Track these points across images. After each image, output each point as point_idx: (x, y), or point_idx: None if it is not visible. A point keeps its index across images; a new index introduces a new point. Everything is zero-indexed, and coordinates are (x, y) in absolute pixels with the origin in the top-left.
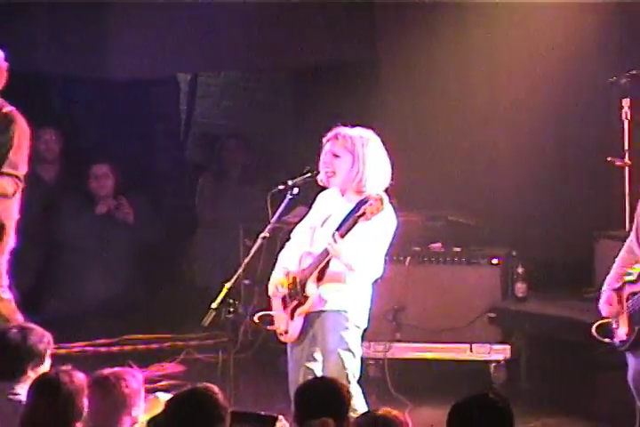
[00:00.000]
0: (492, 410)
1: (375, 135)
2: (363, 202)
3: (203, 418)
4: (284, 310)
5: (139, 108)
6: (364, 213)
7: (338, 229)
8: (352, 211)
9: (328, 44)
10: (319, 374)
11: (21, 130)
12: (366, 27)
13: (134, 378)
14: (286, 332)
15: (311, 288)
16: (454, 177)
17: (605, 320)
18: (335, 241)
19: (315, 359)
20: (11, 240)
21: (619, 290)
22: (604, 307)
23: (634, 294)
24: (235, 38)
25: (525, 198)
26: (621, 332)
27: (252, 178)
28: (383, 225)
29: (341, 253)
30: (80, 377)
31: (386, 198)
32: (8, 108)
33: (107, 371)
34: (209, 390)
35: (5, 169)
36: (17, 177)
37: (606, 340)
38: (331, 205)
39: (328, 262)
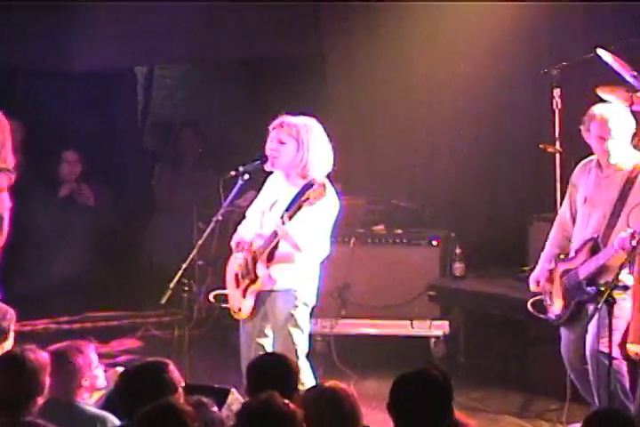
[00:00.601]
0: (432, 383)
1: (318, 123)
2: (307, 187)
3: (153, 390)
4: (236, 288)
5: (98, 100)
6: (307, 199)
7: (285, 213)
8: (297, 196)
9: (276, 38)
10: (270, 349)
11: (2, 124)
12: (312, 23)
13: (85, 351)
14: (239, 309)
15: (261, 268)
16: (396, 163)
17: (539, 297)
18: (283, 223)
19: (265, 335)
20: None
21: (551, 269)
22: (532, 283)
23: (567, 271)
24: (189, 33)
25: (463, 183)
26: (556, 307)
27: (206, 165)
28: (326, 209)
29: (289, 234)
30: (44, 355)
31: (328, 184)
32: None
33: (59, 345)
34: (160, 363)
35: None
36: (8, 170)
37: (542, 315)
38: (277, 190)
39: (277, 244)
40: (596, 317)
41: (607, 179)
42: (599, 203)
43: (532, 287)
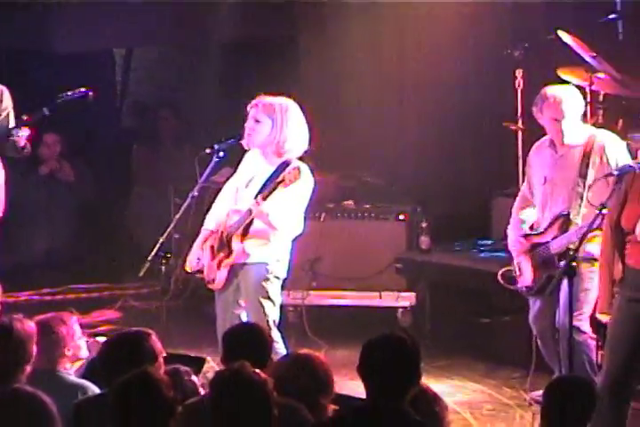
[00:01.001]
0: (400, 347)
1: (294, 103)
2: (283, 167)
3: (134, 359)
4: (211, 261)
5: (78, 80)
6: (282, 181)
7: (260, 193)
8: (273, 175)
9: (251, 21)
10: (245, 319)
11: None
12: (287, 7)
13: (68, 322)
14: (213, 280)
15: (236, 243)
16: (366, 141)
17: (507, 269)
18: (258, 204)
19: (240, 306)
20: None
21: (523, 240)
22: (513, 250)
23: (537, 244)
24: (168, 16)
25: (430, 160)
26: (526, 279)
27: (182, 143)
28: (301, 190)
29: (263, 214)
30: (31, 325)
31: (304, 166)
32: None
33: (43, 316)
34: (143, 333)
35: None
36: None
37: (511, 287)
38: (254, 168)
39: (252, 221)
40: (566, 289)
41: (563, 158)
42: (561, 182)
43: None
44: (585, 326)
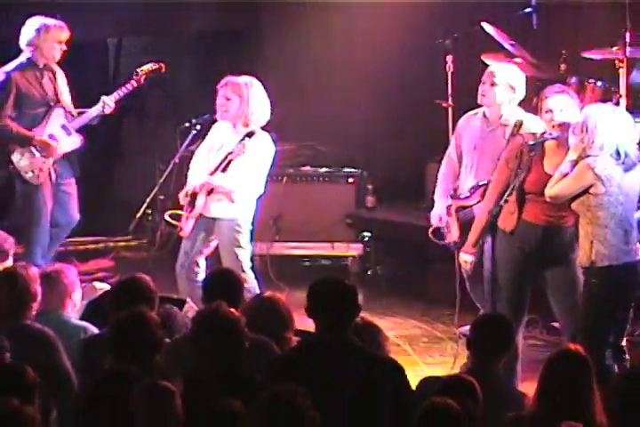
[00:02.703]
0: (337, 289)
1: (257, 81)
2: (247, 136)
3: (135, 300)
4: (185, 212)
5: (77, 65)
6: (232, 153)
7: (218, 167)
8: (239, 143)
9: (220, 14)
10: (202, 265)
11: None
12: (250, 2)
13: (70, 272)
14: (181, 229)
15: (200, 199)
16: (321, 114)
17: (437, 226)
18: (210, 179)
19: (201, 253)
20: None
21: (448, 205)
22: (434, 219)
23: (462, 207)
24: (153, 9)
25: (374, 132)
26: (454, 235)
27: (166, 118)
28: (261, 156)
29: (218, 186)
30: (33, 270)
31: (265, 136)
32: None
33: (49, 267)
34: (139, 278)
35: None
36: None
37: (440, 242)
38: (224, 136)
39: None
40: (489, 242)
41: (492, 132)
42: (489, 152)
43: (435, 222)
44: None
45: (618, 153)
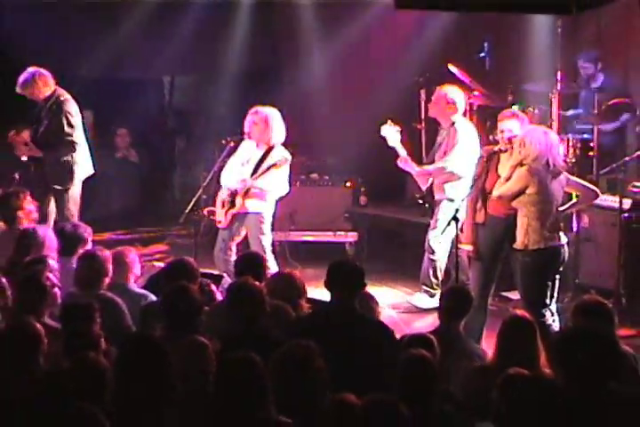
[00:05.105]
0: (351, 267)
1: (277, 111)
2: (268, 151)
3: (183, 275)
4: (222, 209)
5: (140, 97)
6: (275, 164)
7: (256, 171)
8: (262, 157)
9: (250, 57)
10: (234, 249)
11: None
12: (271, 42)
13: (131, 253)
14: (220, 222)
15: (238, 200)
16: (325, 135)
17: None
18: (250, 181)
19: (234, 239)
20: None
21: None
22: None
23: None
24: (198, 53)
25: (367, 148)
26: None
27: (208, 137)
28: (285, 167)
29: (261, 188)
30: (107, 252)
31: (286, 153)
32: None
33: (117, 249)
34: (186, 260)
35: None
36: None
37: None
38: (250, 151)
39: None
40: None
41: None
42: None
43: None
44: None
45: (547, 163)
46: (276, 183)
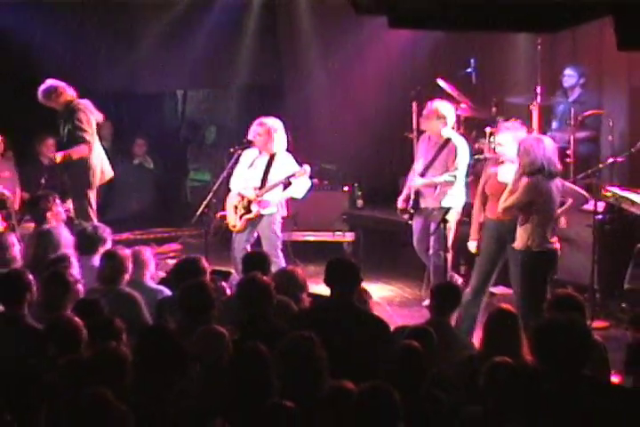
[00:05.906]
0: (349, 265)
1: (280, 122)
2: (272, 157)
3: (194, 272)
4: (234, 214)
5: (156, 109)
6: (293, 175)
7: (263, 185)
8: (268, 163)
9: (256, 71)
10: (249, 247)
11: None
12: (275, 58)
13: (147, 251)
14: (234, 226)
15: (254, 206)
16: (325, 143)
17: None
18: (259, 195)
19: (248, 241)
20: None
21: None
22: (400, 203)
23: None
24: (208, 67)
25: (363, 155)
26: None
27: (217, 145)
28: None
29: (269, 200)
30: (127, 251)
31: (307, 169)
32: None
33: (135, 248)
34: (198, 257)
35: None
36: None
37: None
38: (254, 156)
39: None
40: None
41: (436, 145)
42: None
43: (400, 205)
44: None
45: (542, 167)
46: (298, 190)
